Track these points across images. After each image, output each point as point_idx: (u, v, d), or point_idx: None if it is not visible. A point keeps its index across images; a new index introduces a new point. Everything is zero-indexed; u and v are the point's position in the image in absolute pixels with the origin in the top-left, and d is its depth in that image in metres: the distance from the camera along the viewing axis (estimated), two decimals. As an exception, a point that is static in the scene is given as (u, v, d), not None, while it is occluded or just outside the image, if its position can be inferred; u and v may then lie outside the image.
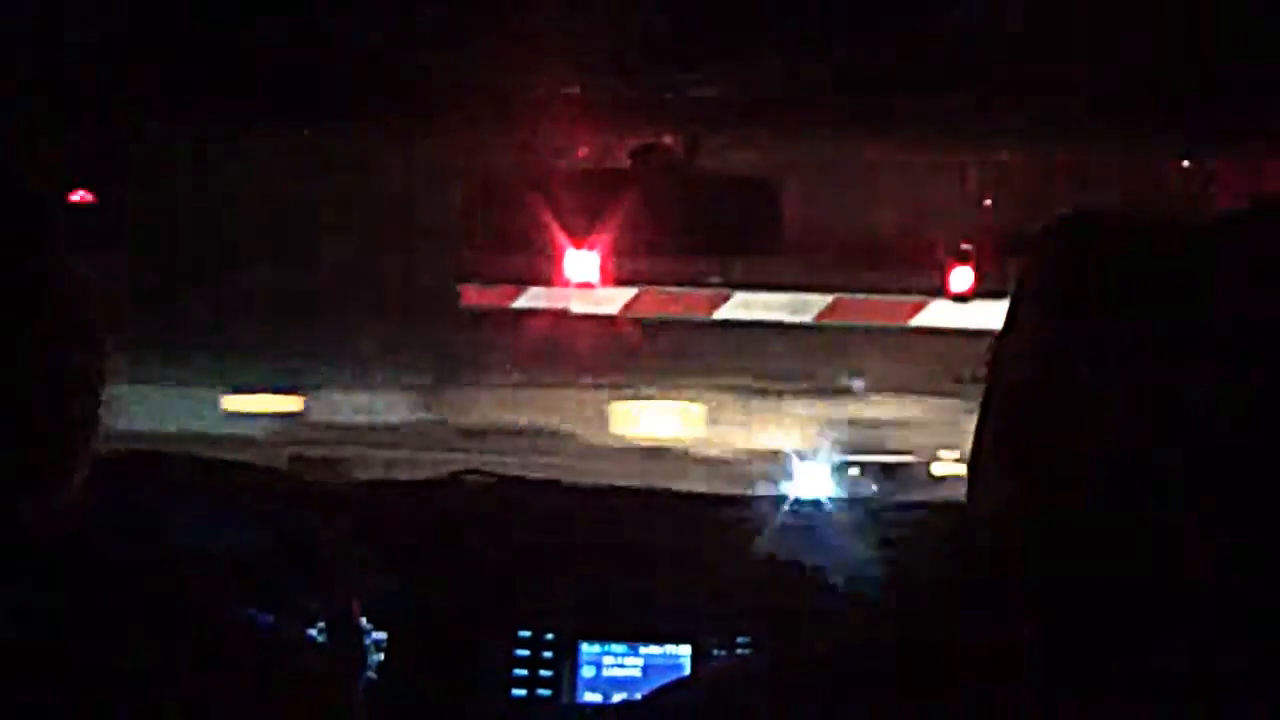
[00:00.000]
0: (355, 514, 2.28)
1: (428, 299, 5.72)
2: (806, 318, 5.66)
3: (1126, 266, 0.80)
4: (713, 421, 6.19)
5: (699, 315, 5.68)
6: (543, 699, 2.14)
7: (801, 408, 6.10)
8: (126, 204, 4.85)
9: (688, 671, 2.13)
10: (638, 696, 1.82)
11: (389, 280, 5.96)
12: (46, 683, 0.87)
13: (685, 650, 2.17)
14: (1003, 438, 0.84)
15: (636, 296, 5.54)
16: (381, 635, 2.09)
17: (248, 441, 5.31)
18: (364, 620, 2.00)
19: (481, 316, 5.74)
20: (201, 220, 5.61)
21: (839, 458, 5.36)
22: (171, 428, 4.70)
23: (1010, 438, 0.83)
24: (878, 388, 6.07)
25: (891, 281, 5.57)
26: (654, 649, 2.17)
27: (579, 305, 5.55)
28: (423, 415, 6.21)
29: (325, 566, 2.01)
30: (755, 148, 3.37)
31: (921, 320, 5.56)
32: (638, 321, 5.65)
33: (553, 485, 2.45)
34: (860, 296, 5.65)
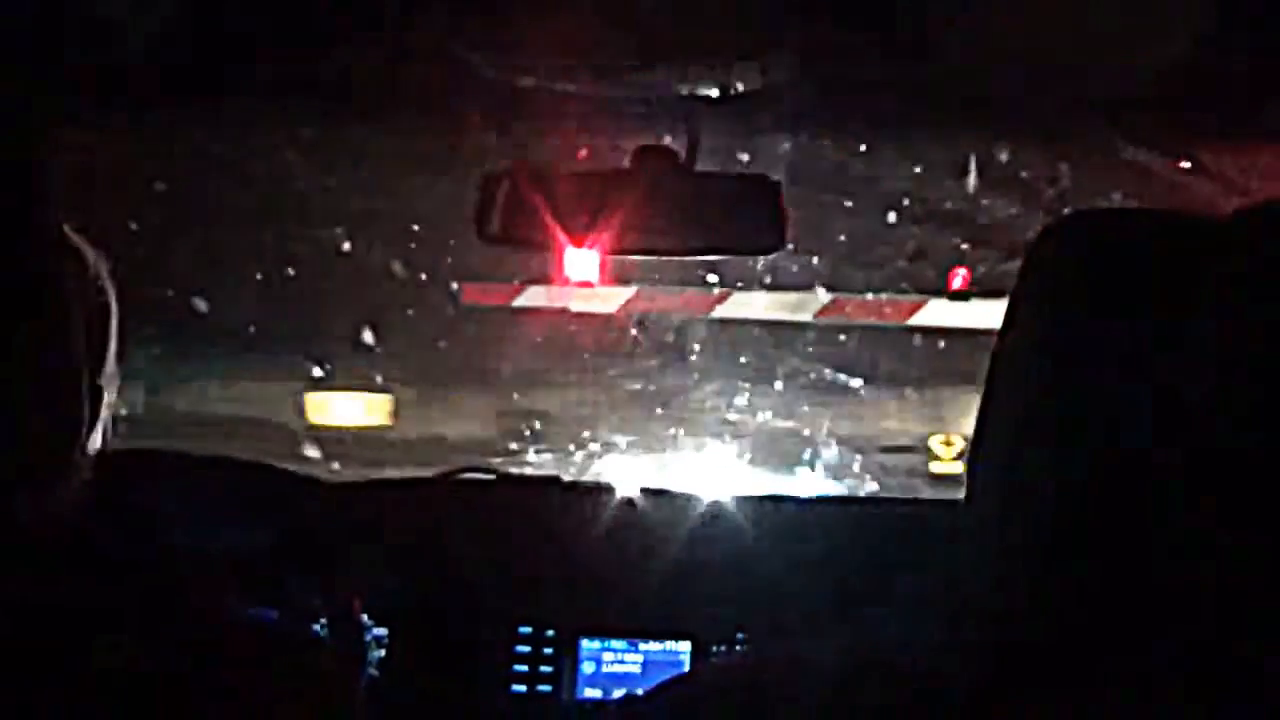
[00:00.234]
0: (355, 512, 2.28)
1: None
2: (805, 316, 5.66)
3: (1126, 266, 0.80)
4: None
5: (699, 314, 5.69)
6: (543, 694, 2.15)
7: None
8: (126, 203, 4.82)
9: (687, 667, 2.14)
10: (638, 692, 1.83)
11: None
12: (46, 682, 0.87)
13: (685, 646, 2.18)
14: (1002, 437, 0.84)
15: (635, 295, 5.55)
16: (382, 631, 2.09)
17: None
18: (365, 616, 2.01)
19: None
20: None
21: (839, 454, 5.37)
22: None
23: (1009, 437, 0.83)
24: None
25: (890, 281, 5.58)
26: (654, 645, 2.18)
27: (578, 304, 5.56)
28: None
29: (326, 563, 2.02)
30: (755, 148, 3.38)
31: (920, 319, 5.57)
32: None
33: (552, 483, 2.46)
34: (859, 296, 5.66)
